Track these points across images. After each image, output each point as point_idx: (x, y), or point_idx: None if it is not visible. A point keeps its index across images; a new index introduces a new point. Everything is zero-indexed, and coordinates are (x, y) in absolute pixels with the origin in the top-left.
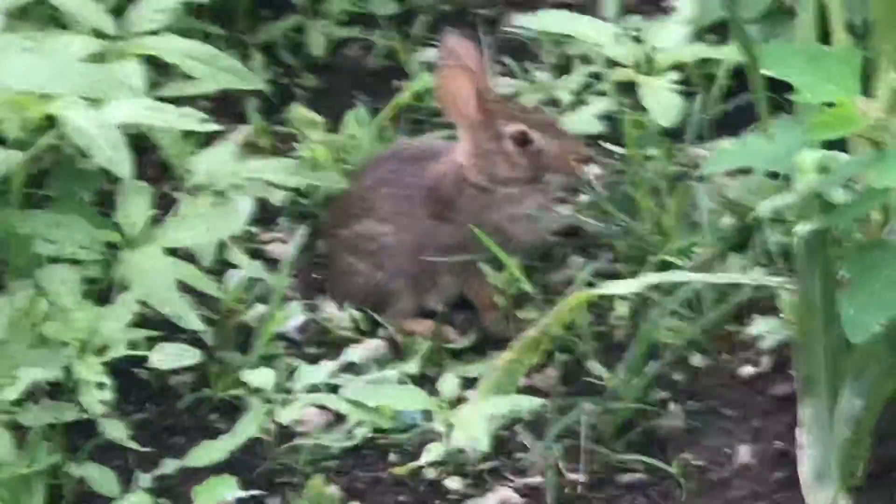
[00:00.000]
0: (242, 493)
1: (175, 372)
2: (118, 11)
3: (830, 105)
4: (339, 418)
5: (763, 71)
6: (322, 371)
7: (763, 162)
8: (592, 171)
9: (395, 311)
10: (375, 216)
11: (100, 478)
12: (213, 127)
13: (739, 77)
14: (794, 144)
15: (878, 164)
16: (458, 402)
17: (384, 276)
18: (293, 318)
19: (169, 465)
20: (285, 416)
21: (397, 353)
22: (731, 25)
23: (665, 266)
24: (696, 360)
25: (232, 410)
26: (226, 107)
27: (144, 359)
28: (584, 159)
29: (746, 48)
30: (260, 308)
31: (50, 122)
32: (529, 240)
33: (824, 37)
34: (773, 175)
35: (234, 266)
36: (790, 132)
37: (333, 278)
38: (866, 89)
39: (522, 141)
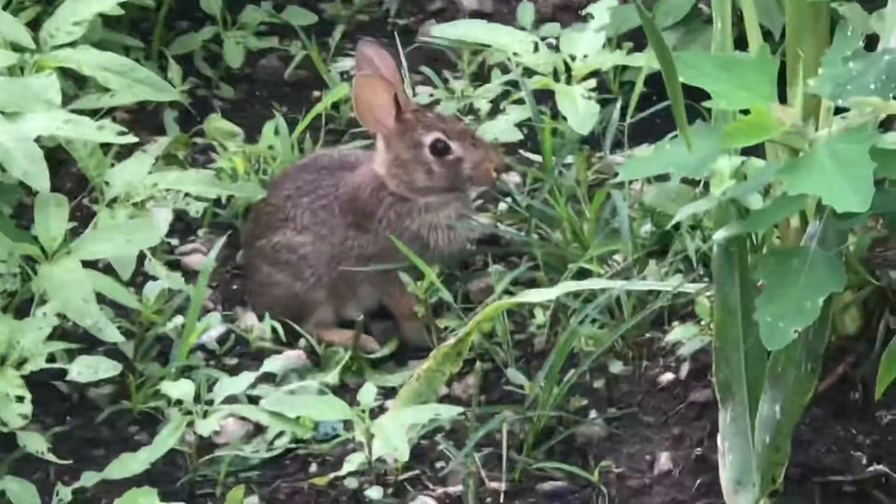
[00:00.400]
0: None
1: (94, 384)
2: (35, 24)
3: (746, 112)
4: (260, 429)
5: (679, 78)
6: (242, 382)
7: (680, 169)
8: (511, 179)
9: (314, 322)
10: (293, 226)
11: (20, 491)
12: (131, 139)
13: (656, 84)
14: (710, 151)
15: (793, 170)
16: (378, 411)
17: (303, 287)
18: (212, 329)
19: (89, 478)
20: (205, 427)
21: (317, 363)
22: (648, 32)
23: (584, 274)
24: (616, 367)
25: (152, 422)
26: (143, 118)
27: (64, 371)
28: (501, 168)
29: (662, 55)
30: (179, 319)
31: None
32: (448, 249)
33: (741, 44)
34: (692, 182)
35: (152, 278)
36: (706, 139)
37: (252, 289)
38: (783, 96)
39: (440, 150)
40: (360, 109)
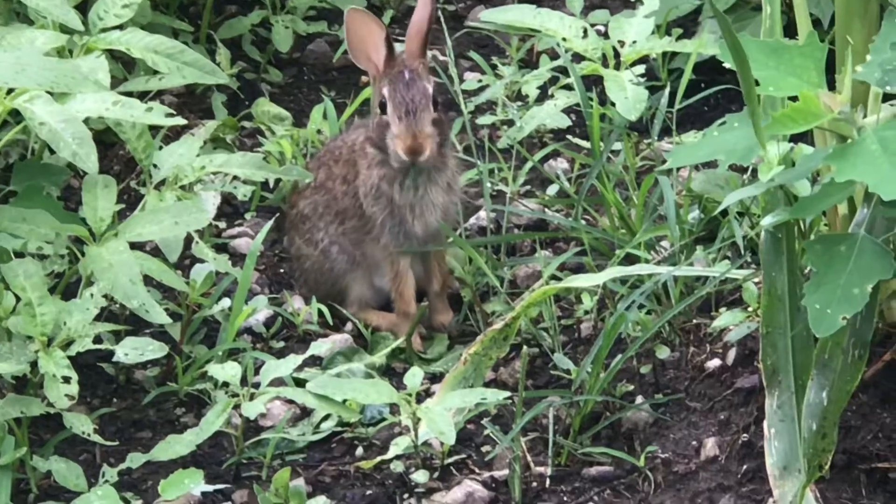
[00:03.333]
0: (208, 487)
1: (141, 366)
2: (84, 6)
3: (794, 99)
4: (306, 412)
5: (726, 64)
6: (288, 365)
7: (728, 155)
8: (559, 165)
9: (352, 299)
10: (312, 188)
11: (66, 472)
12: (179, 121)
13: (705, 71)
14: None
15: (841, 157)
16: (424, 395)
17: (320, 256)
18: (259, 312)
19: (135, 459)
20: (251, 410)
21: (364, 346)
22: (718, 21)
23: (631, 259)
24: (663, 352)
25: (198, 405)
26: (191, 102)
27: (110, 353)
28: (409, 151)
29: (730, 39)
30: (226, 302)
31: (15, 116)
32: (380, 214)
33: (790, 32)
34: (740, 168)
35: (200, 260)
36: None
37: (292, 267)
38: (831, 83)
39: (382, 107)
40: (351, 44)
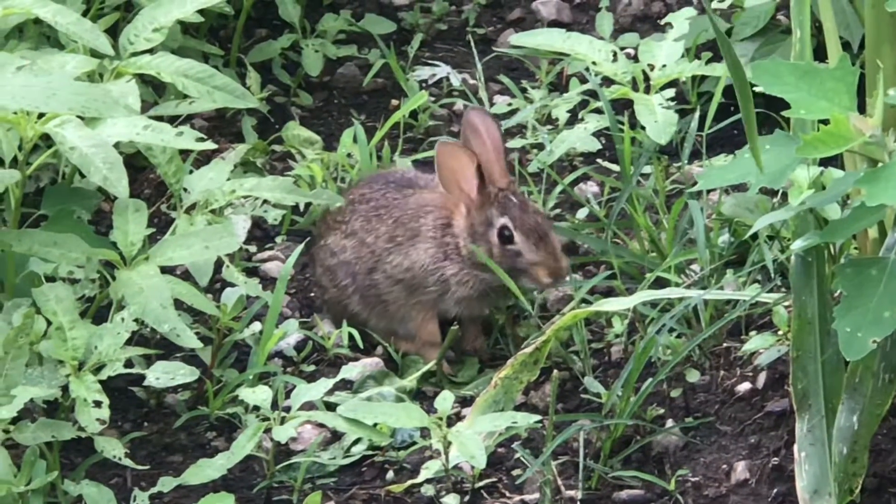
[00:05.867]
0: None
1: (172, 390)
2: (114, 31)
3: (825, 122)
4: (336, 436)
5: (757, 87)
6: (319, 388)
7: (757, 178)
8: (589, 188)
9: (373, 331)
10: (343, 230)
11: (97, 496)
12: (209, 145)
13: (734, 94)
14: (788, 161)
15: (872, 180)
16: (455, 419)
17: (337, 293)
18: (290, 336)
19: (166, 484)
20: (282, 433)
21: (394, 370)
22: (719, 42)
23: (662, 283)
24: (693, 376)
25: (229, 428)
26: (222, 125)
27: (141, 377)
28: (558, 276)
29: (732, 64)
30: (257, 326)
31: (46, 141)
32: (464, 303)
33: (820, 55)
34: (770, 192)
35: (230, 284)
36: (785, 148)
37: (315, 291)
38: (862, 106)
39: (505, 238)
40: (442, 176)
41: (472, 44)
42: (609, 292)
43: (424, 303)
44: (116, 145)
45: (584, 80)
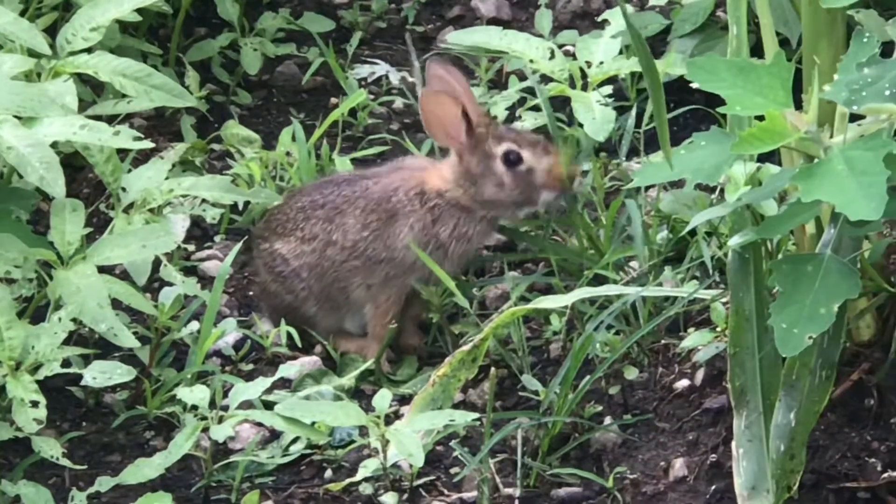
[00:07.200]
0: None
1: (110, 389)
2: (52, 30)
3: (761, 118)
4: (275, 435)
5: (693, 83)
6: (257, 387)
7: (694, 175)
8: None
9: (319, 332)
10: (299, 236)
11: (35, 496)
12: (147, 145)
13: (672, 91)
14: (725, 157)
15: (808, 177)
16: (393, 417)
17: (294, 300)
18: (228, 334)
19: (104, 483)
20: (220, 432)
21: (333, 369)
22: (632, 37)
23: (600, 280)
24: (631, 373)
25: (167, 428)
26: (161, 124)
27: (79, 377)
28: (574, 174)
29: (646, 62)
30: (195, 325)
31: None
32: (464, 259)
33: (758, 52)
34: (709, 188)
35: (168, 283)
36: (721, 145)
37: (257, 292)
38: (798, 102)
39: (512, 161)
40: (429, 124)
41: (411, 41)
42: (548, 290)
43: (397, 293)
44: (54, 145)
45: (523, 78)
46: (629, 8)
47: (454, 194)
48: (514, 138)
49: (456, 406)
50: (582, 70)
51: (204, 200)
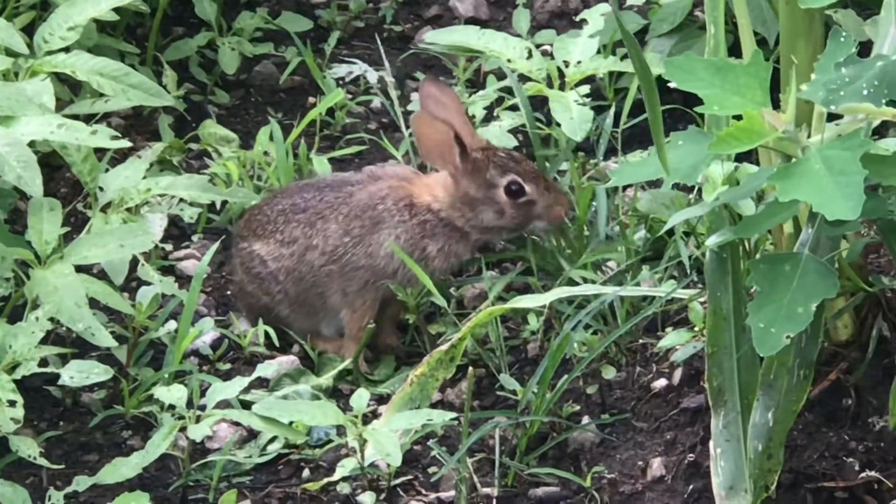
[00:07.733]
0: None
1: (87, 389)
2: (29, 29)
3: (738, 117)
4: (252, 434)
5: (671, 83)
6: (235, 387)
7: (672, 174)
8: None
9: (295, 332)
10: (279, 238)
11: (12, 495)
12: (125, 144)
13: None
14: (702, 157)
15: (785, 176)
16: (371, 417)
17: (270, 301)
18: (206, 334)
19: (81, 483)
20: (197, 432)
21: (311, 368)
22: (624, 37)
23: (577, 279)
24: (609, 373)
25: (144, 427)
26: (138, 124)
27: (56, 376)
28: (569, 212)
29: (638, 60)
30: (172, 324)
31: None
32: (445, 272)
33: (736, 51)
34: (687, 188)
35: (146, 283)
36: (699, 144)
37: (233, 291)
38: (776, 102)
39: (514, 192)
40: (422, 146)
41: (385, 41)
42: (525, 289)
43: (373, 298)
44: (31, 144)
45: (501, 77)
46: (606, 7)
47: (448, 215)
48: (517, 170)
49: (434, 405)
50: (559, 69)
51: (181, 200)
